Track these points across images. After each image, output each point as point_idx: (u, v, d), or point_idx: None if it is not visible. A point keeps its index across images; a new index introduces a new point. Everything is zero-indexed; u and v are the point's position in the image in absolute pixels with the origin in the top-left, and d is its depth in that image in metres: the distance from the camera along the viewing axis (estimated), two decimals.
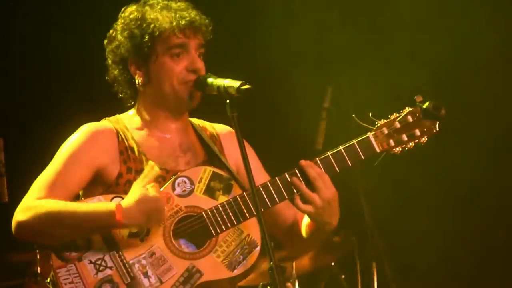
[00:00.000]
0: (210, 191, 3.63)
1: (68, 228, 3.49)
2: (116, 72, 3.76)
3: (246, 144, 3.74)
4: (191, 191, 3.62)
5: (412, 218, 7.18)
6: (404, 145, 3.63)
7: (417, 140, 3.63)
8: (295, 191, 3.60)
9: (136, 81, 3.73)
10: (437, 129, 3.62)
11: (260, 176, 3.81)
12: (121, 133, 3.71)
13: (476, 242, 7.15)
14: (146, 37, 3.65)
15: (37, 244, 3.58)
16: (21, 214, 3.52)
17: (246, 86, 3.48)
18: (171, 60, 3.68)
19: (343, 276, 6.88)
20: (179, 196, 3.61)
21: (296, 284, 6.49)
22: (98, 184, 3.66)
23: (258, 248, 3.60)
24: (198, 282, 3.53)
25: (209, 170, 3.66)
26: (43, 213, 3.50)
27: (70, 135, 3.72)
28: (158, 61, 3.69)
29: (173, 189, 3.61)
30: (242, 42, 7.00)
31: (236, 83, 3.49)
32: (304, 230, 3.79)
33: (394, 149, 3.63)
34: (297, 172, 3.60)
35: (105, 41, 3.78)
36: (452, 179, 7.09)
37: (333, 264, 6.85)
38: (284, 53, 7.03)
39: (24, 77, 6.76)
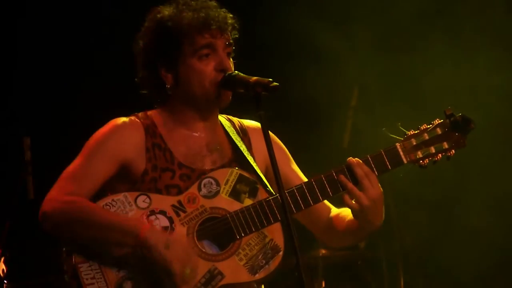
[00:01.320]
0: (235, 194, 3.63)
1: (93, 230, 3.51)
2: (145, 74, 3.74)
3: (274, 137, 3.75)
4: (217, 193, 3.62)
5: (437, 217, 7.14)
6: (431, 158, 3.60)
7: (444, 153, 3.59)
8: (341, 189, 3.59)
9: (166, 84, 3.71)
10: (466, 143, 3.59)
11: (290, 171, 3.81)
12: (149, 130, 3.71)
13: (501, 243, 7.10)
14: (173, 38, 3.64)
15: (58, 237, 3.59)
16: (48, 205, 3.55)
17: (274, 84, 3.47)
18: (199, 62, 3.65)
19: (369, 276, 6.88)
20: (205, 197, 3.61)
21: (323, 284, 6.49)
22: (124, 179, 3.67)
23: (281, 253, 3.59)
24: (219, 284, 3.53)
25: (236, 172, 3.65)
26: (73, 209, 3.52)
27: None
28: (186, 63, 3.67)
29: (199, 189, 3.62)
30: (268, 40, 6.99)
31: (263, 81, 3.48)
32: (344, 226, 3.76)
33: (421, 161, 3.60)
34: (345, 169, 3.59)
35: (134, 43, 3.77)
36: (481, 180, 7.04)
37: (359, 263, 6.84)
38: (311, 51, 7.02)
39: (49, 75, 6.79)
